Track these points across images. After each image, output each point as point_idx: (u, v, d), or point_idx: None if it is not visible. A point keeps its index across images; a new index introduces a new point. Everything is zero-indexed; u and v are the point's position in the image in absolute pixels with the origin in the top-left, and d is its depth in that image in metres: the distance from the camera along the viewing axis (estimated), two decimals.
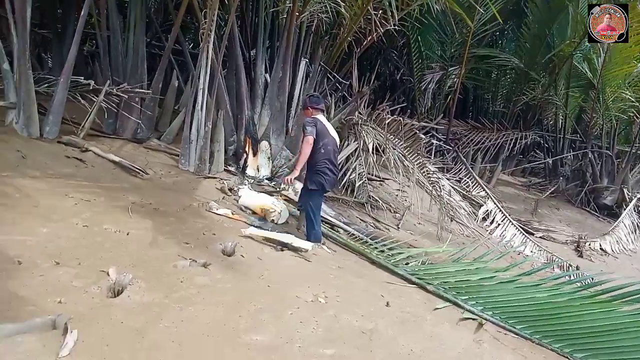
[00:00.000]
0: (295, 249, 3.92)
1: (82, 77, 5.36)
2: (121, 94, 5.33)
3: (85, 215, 3.40)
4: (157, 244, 3.32)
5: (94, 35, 6.53)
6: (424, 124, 7.04)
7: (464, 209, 5.61)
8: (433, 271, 4.32)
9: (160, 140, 5.76)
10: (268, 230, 4.35)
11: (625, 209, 9.35)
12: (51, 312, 2.23)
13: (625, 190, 9.96)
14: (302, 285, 3.40)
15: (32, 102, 4.64)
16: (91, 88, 5.14)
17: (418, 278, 4.20)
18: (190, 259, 3.22)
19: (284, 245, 3.89)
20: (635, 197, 9.71)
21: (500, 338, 3.50)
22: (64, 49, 6.13)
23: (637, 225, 9.17)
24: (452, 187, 5.84)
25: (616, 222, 8.90)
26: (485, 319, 3.77)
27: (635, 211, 9.37)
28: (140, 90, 5.53)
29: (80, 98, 5.17)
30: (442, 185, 5.45)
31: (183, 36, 8.14)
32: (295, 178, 5.20)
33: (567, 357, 3.48)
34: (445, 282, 4.18)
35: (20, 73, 4.57)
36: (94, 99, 5.22)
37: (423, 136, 6.08)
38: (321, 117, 4.50)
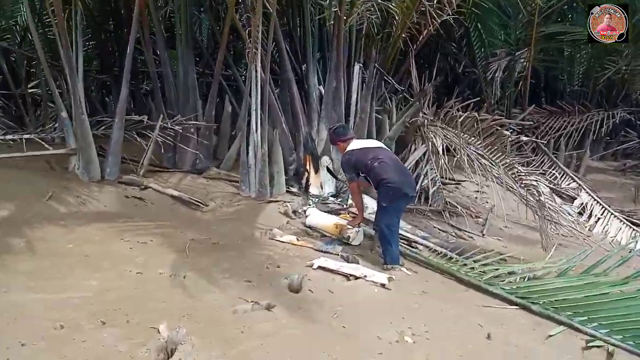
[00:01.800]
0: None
1: (138, 116, 5.24)
2: (175, 127, 5.11)
3: (140, 260, 3.08)
4: (215, 285, 2.92)
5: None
6: (506, 120, 6.14)
7: (569, 213, 4.69)
8: (537, 288, 3.55)
9: (219, 169, 5.47)
10: (337, 254, 3.83)
11: None
12: None
13: None
14: (382, 322, 2.83)
15: (89, 146, 4.51)
16: (145, 124, 4.96)
17: (519, 297, 3.46)
18: (252, 301, 2.77)
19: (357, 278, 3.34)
20: None
21: None
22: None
23: None
24: (552, 189, 4.89)
25: None
26: (616, 346, 2.97)
27: None
28: (193, 121, 5.28)
29: (137, 136, 5.01)
30: (539, 189, 4.56)
31: (236, 61, 7.97)
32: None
33: None
34: (554, 300, 3.40)
35: (75, 118, 4.47)
36: (151, 135, 5.05)
37: (507, 132, 5.22)
38: (355, 144, 4.14)
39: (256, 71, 4.93)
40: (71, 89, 4.48)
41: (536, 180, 4.67)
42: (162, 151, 5.29)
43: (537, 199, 4.54)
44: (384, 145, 4.30)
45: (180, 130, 5.22)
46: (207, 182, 5.12)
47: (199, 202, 4.41)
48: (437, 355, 2.56)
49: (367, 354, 2.46)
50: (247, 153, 4.96)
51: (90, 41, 8.02)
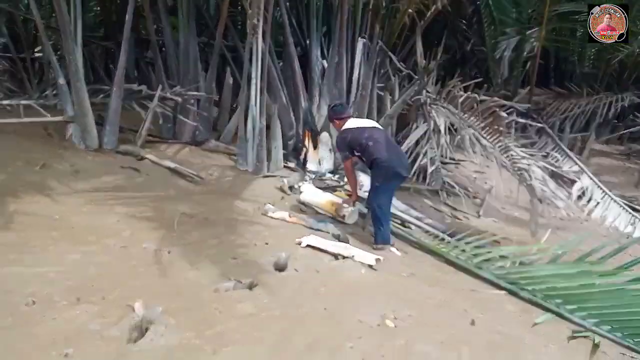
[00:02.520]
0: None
1: (139, 85, 5.05)
2: (174, 98, 4.93)
3: (126, 234, 2.98)
4: (199, 262, 2.81)
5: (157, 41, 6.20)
6: (504, 101, 5.87)
7: (561, 199, 4.48)
8: (527, 273, 3.41)
9: (218, 141, 5.32)
10: (329, 232, 3.70)
11: None
12: None
13: None
14: (366, 304, 2.71)
15: (86, 114, 4.35)
16: (143, 94, 4.78)
17: (509, 282, 3.33)
18: (234, 279, 2.66)
19: (345, 258, 3.21)
20: None
21: None
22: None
23: None
24: (545, 171, 4.67)
25: None
26: (603, 336, 2.84)
27: None
28: (193, 92, 5.08)
29: (136, 106, 4.85)
30: (533, 172, 4.36)
31: (244, 33, 7.66)
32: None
33: None
34: (544, 287, 3.26)
35: (72, 86, 4.30)
36: (150, 105, 4.88)
37: (505, 114, 4.97)
38: (351, 122, 3.97)
39: (257, 43, 4.70)
40: (67, 55, 4.30)
41: (528, 164, 4.44)
42: (162, 122, 5.14)
43: (529, 183, 4.34)
44: (379, 126, 4.13)
45: (180, 101, 5.05)
46: (205, 155, 4.98)
47: (194, 174, 4.28)
48: (418, 341, 2.44)
49: (345, 337, 2.35)
50: (245, 126, 4.79)
51: (96, 7, 7.80)
